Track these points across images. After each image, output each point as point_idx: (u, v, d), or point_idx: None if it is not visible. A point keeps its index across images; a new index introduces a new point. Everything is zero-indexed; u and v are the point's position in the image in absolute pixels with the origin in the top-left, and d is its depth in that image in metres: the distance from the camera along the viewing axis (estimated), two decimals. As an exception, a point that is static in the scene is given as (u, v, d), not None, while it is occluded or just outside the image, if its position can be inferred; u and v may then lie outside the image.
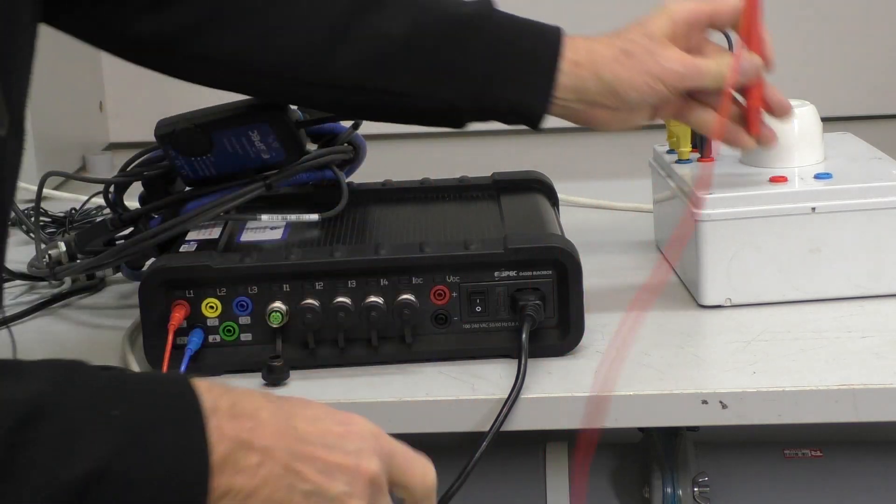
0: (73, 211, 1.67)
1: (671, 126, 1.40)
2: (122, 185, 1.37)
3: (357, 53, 1.23)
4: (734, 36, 1.27)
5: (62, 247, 1.36)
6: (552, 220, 1.29)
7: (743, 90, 1.26)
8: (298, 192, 1.37)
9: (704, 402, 1.11)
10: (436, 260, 1.17)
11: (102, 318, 1.38)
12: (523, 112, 1.25)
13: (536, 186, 1.40)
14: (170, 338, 1.16)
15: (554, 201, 1.40)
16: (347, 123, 1.37)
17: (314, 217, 1.28)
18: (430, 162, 1.43)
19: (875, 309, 1.26)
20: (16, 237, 1.57)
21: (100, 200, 1.58)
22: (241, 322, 1.18)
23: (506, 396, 1.11)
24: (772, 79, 1.27)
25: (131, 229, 1.35)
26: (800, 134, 1.33)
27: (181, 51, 1.24)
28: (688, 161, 1.39)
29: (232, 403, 0.87)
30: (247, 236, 1.27)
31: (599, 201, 1.64)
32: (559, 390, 1.13)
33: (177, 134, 1.30)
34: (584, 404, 1.12)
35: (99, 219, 1.53)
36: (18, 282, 1.45)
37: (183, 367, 1.15)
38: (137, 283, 1.20)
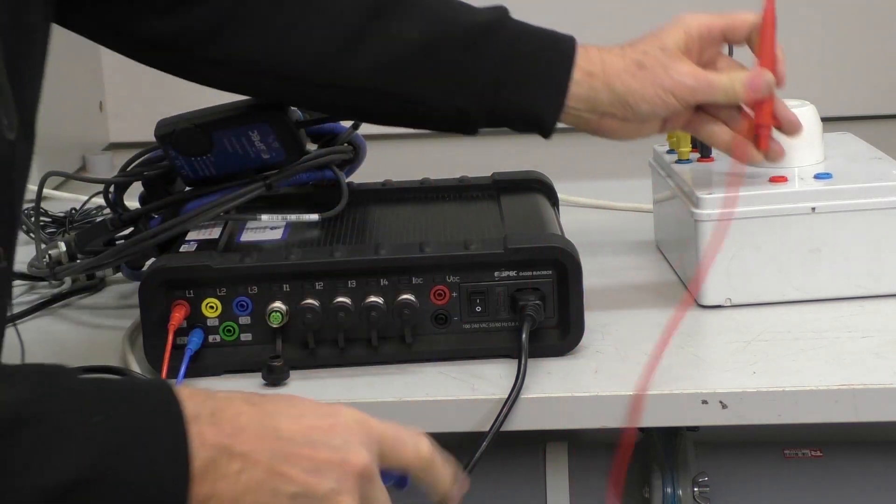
0: (73, 211, 1.67)
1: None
2: (122, 185, 1.37)
3: (372, 58, 1.23)
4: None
5: (62, 247, 1.36)
6: (552, 220, 1.29)
7: (753, 105, 1.26)
8: (298, 192, 1.37)
9: (704, 402, 1.11)
10: (436, 260, 1.17)
11: (102, 318, 1.38)
12: (534, 120, 1.26)
13: (536, 186, 1.40)
14: (170, 338, 1.16)
15: (554, 201, 1.40)
16: (347, 123, 1.37)
17: (314, 217, 1.28)
18: (430, 162, 1.43)
19: (875, 309, 1.26)
20: (16, 237, 1.57)
21: (100, 200, 1.58)
22: (241, 322, 1.18)
23: (506, 396, 1.11)
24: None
25: (131, 229, 1.35)
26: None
27: (197, 53, 1.24)
28: (688, 161, 1.39)
29: (213, 410, 0.87)
30: (247, 236, 1.27)
31: (599, 201, 1.64)
32: (559, 390, 1.13)
33: (177, 134, 1.30)
34: (583, 404, 1.12)
35: (99, 219, 1.53)
36: (18, 282, 1.45)
37: (183, 367, 1.15)
38: (137, 283, 1.20)
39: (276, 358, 1.16)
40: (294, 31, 1.23)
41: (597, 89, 1.24)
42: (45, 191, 1.47)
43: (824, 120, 1.35)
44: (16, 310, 1.37)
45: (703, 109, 1.27)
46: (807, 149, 1.33)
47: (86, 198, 1.67)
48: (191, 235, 1.27)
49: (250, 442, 0.87)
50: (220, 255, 1.20)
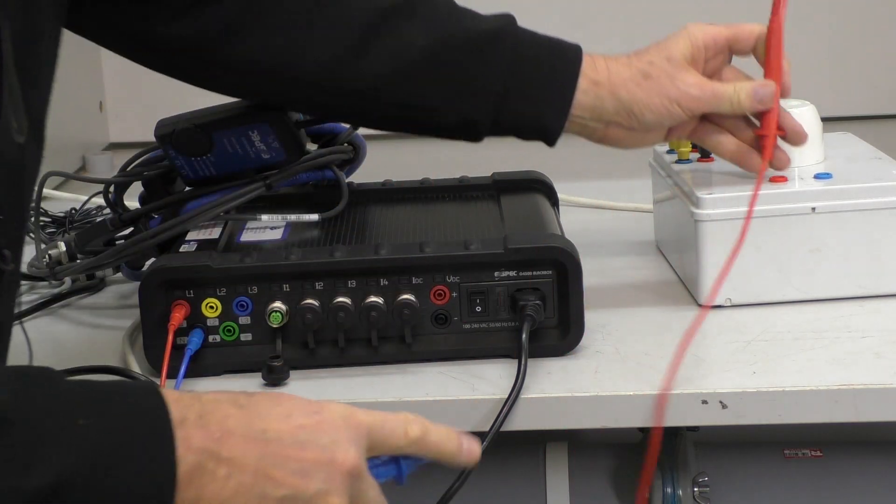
0: (73, 211, 1.67)
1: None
2: (122, 185, 1.37)
3: (379, 65, 1.24)
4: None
5: (62, 247, 1.36)
6: (552, 220, 1.29)
7: (758, 115, 1.27)
8: (298, 192, 1.37)
9: (704, 402, 1.11)
10: (436, 260, 1.17)
11: (102, 318, 1.38)
12: (539, 128, 1.26)
13: (536, 186, 1.40)
14: (170, 338, 1.16)
15: (554, 201, 1.40)
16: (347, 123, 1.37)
17: (314, 217, 1.28)
18: (430, 162, 1.43)
19: (875, 309, 1.26)
20: (16, 237, 1.57)
21: (100, 200, 1.58)
22: (241, 322, 1.18)
23: (506, 396, 1.11)
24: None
25: (131, 229, 1.35)
26: (800, 134, 1.33)
27: (207, 57, 1.24)
28: (688, 161, 1.39)
29: (200, 414, 0.87)
30: (247, 236, 1.27)
31: (599, 201, 1.64)
32: (559, 390, 1.13)
33: (177, 134, 1.30)
34: (583, 404, 1.12)
35: (99, 219, 1.53)
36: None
37: (183, 367, 1.15)
38: (137, 283, 1.20)
39: (276, 358, 1.16)
40: (302, 36, 1.24)
41: (602, 98, 1.25)
42: (45, 191, 1.47)
43: (824, 120, 1.35)
44: (16, 310, 1.37)
45: (709, 119, 1.28)
46: (807, 149, 1.33)
47: (86, 198, 1.67)
48: (191, 235, 1.27)
49: (238, 446, 0.87)
50: (220, 255, 1.20)
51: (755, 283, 1.27)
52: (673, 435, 1.23)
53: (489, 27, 1.25)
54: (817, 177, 1.30)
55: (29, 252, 1.41)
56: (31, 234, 1.48)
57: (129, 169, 1.37)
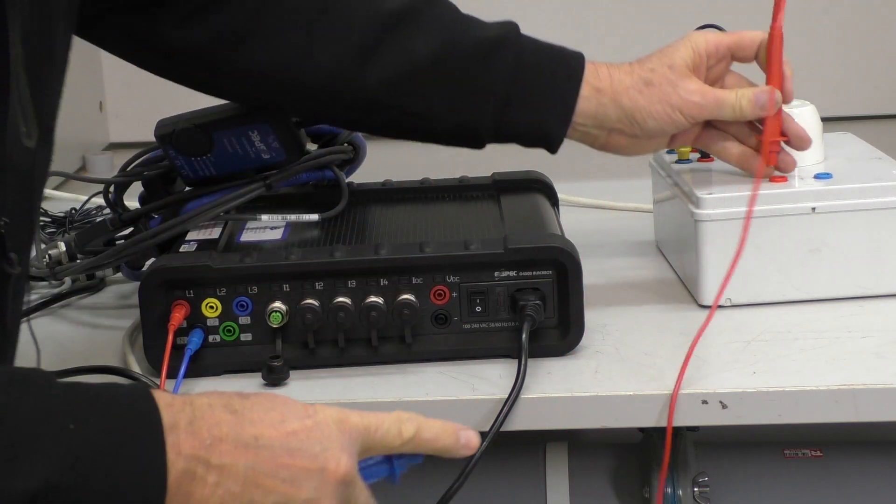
0: (73, 211, 1.67)
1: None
2: (122, 185, 1.37)
3: (383, 73, 1.24)
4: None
5: (62, 247, 1.36)
6: (552, 220, 1.29)
7: (762, 121, 1.27)
8: (298, 192, 1.37)
9: (704, 402, 1.11)
10: (436, 260, 1.17)
11: (102, 318, 1.38)
12: (541, 136, 1.27)
13: (536, 186, 1.40)
14: (170, 338, 1.16)
15: (554, 201, 1.40)
16: (348, 123, 1.37)
17: (314, 217, 1.28)
18: (430, 162, 1.43)
19: (875, 309, 1.26)
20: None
21: (100, 200, 1.58)
22: (241, 322, 1.18)
23: (506, 396, 1.11)
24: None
25: (131, 229, 1.35)
26: (800, 134, 1.33)
27: (212, 64, 1.25)
28: (688, 161, 1.39)
29: (191, 419, 0.86)
30: (247, 236, 1.27)
31: (599, 201, 1.64)
32: (559, 390, 1.13)
33: (177, 134, 1.30)
34: (583, 404, 1.12)
35: (99, 219, 1.53)
36: (18, 282, 1.45)
37: (183, 367, 1.15)
38: (137, 283, 1.20)
39: (276, 358, 1.16)
40: (307, 44, 1.24)
41: (605, 105, 1.25)
42: (45, 191, 1.46)
43: (824, 120, 1.35)
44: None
45: (713, 125, 1.29)
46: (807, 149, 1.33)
47: (86, 198, 1.67)
48: (191, 235, 1.27)
49: (228, 453, 0.86)
50: (220, 255, 1.20)
51: (755, 283, 1.27)
52: (673, 435, 1.23)
53: (492, 34, 1.26)
54: (817, 177, 1.30)
55: (29, 252, 1.41)
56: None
57: (129, 169, 1.37)
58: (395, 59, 1.25)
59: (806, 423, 1.11)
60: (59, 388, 0.85)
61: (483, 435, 1.08)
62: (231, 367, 1.19)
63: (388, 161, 1.49)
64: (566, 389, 1.13)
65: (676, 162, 1.39)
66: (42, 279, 1.41)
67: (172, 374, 1.15)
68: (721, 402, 1.11)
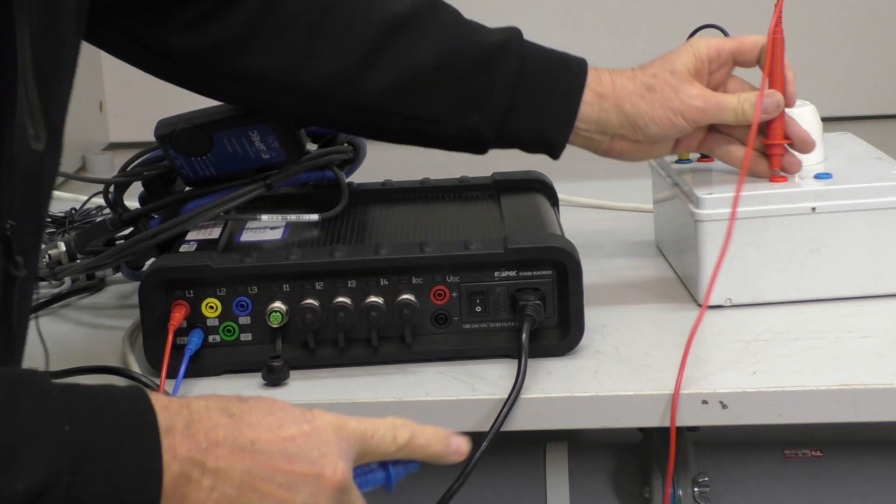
0: (73, 211, 1.67)
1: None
2: (122, 185, 1.37)
3: (386, 78, 1.25)
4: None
5: (62, 247, 1.36)
6: (552, 220, 1.29)
7: (765, 124, 1.27)
8: (298, 192, 1.37)
9: (704, 402, 1.11)
10: (436, 260, 1.17)
11: (102, 318, 1.38)
12: (544, 141, 1.27)
13: (536, 186, 1.40)
14: (170, 338, 1.16)
15: (554, 201, 1.40)
16: (347, 124, 1.37)
17: (314, 217, 1.28)
18: (430, 162, 1.43)
19: (875, 309, 1.26)
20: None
21: (100, 200, 1.58)
22: (241, 322, 1.18)
23: (506, 396, 1.11)
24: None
25: (131, 229, 1.35)
26: (800, 134, 1.33)
27: (216, 69, 1.25)
28: (688, 161, 1.39)
29: (188, 422, 0.86)
30: (247, 236, 1.27)
31: (599, 201, 1.64)
32: (559, 390, 1.13)
33: (177, 134, 1.30)
34: (583, 404, 1.12)
35: (99, 219, 1.53)
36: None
37: (183, 368, 1.15)
38: (137, 283, 1.20)
39: (276, 358, 1.16)
40: (310, 49, 1.25)
41: (607, 111, 1.26)
42: (46, 191, 1.47)
43: (824, 120, 1.35)
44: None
45: (717, 129, 1.29)
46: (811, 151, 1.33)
47: (86, 198, 1.67)
48: (191, 235, 1.27)
49: (224, 457, 0.86)
50: (220, 255, 1.20)
51: (755, 283, 1.27)
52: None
53: (495, 40, 1.26)
54: (817, 177, 1.30)
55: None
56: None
57: (129, 169, 1.37)
58: (396, 64, 1.25)
59: (806, 423, 1.11)
60: (55, 390, 0.85)
61: (483, 435, 1.09)
62: (231, 367, 1.19)
63: (388, 161, 1.49)
64: (566, 389, 1.13)
65: (676, 162, 1.39)
66: (42, 279, 1.41)
67: (172, 375, 1.15)
68: (721, 402, 1.11)
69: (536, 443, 1.26)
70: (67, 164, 1.93)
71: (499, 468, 1.24)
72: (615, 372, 1.16)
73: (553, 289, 1.18)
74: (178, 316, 1.16)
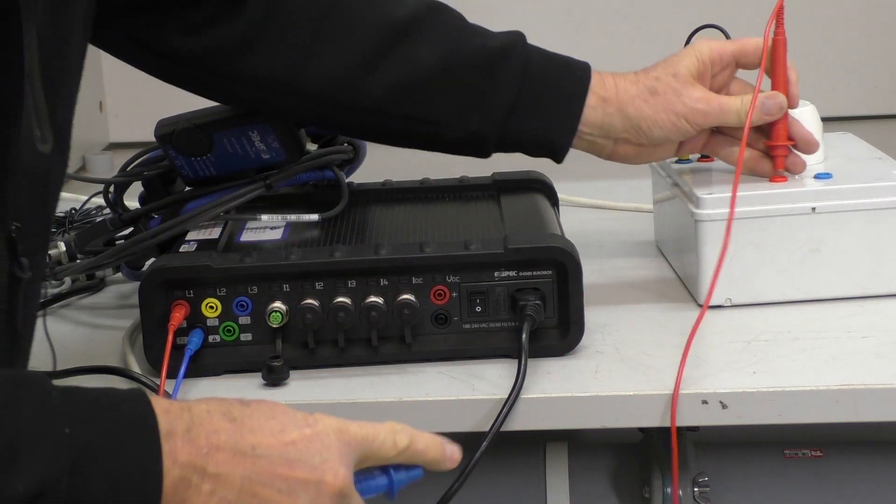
0: (73, 211, 1.67)
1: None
2: (122, 185, 1.37)
3: (389, 81, 1.25)
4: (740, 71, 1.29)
5: (62, 247, 1.36)
6: (552, 220, 1.29)
7: (769, 126, 1.28)
8: (298, 192, 1.37)
9: (704, 402, 1.11)
10: (436, 260, 1.17)
11: (102, 318, 1.38)
12: (547, 145, 1.28)
13: (536, 186, 1.40)
14: (170, 338, 1.16)
15: (554, 201, 1.40)
16: (347, 123, 1.37)
17: (314, 217, 1.28)
18: (430, 162, 1.43)
19: (875, 309, 1.26)
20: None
21: (100, 200, 1.58)
22: (241, 322, 1.18)
23: (506, 396, 1.11)
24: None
25: (131, 229, 1.35)
26: (800, 134, 1.33)
27: (220, 71, 1.25)
28: (688, 161, 1.39)
29: (189, 426, 0.86)
30: (247, 236, 1.27)
31: (599, 201, 1.64)
32: (559, 390, 1.13)
33: (177, 134, 1.30)
34: (583, 404, 1.12)
35: (99, 219, 1.53)
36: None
37: (183, 368, 1.15)
38: (137, 283, 1.20)
39: (276, 358, 1.16)
40: (313, 52, 1.25)
41: (610, 115, 1.26)
42: (45, 191, 1.47)
43: (824, 120, 1.35)
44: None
45: (721, 130, 1.30)
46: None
47: (86, 198, 1.67)
48: (191, 235, 1.27)
49: (224, 462, 0.86)
50: (220, 255, 1.20)
51: (755, 283, 1.27)
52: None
53: (498, 44, 1.26)
54: (817, 177, 1.30)
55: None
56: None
57: (129, 169, 1.37)
58: (399, 68, 1.25)
59: (806, 423, 1.11)
60: (56, 392, 0.85)
61: (483, 435, 1.09)
62: (231, 367, 1.19)
63: (388, 161, 1.49)
64: (566, 389, 1.13)
65: (676, 162, 1.39)
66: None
67: (172, 375, 1.14)
68: (721, 402, 1.11)
69: (536, 443, 1.26)
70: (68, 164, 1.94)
71: (499, 468, 1.24)
72: (615, 372, 1.16)
73: (553, 289, 1.18)
74: (178, 316, 1.16)
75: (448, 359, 1.19)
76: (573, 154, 1.30)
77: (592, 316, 1.22)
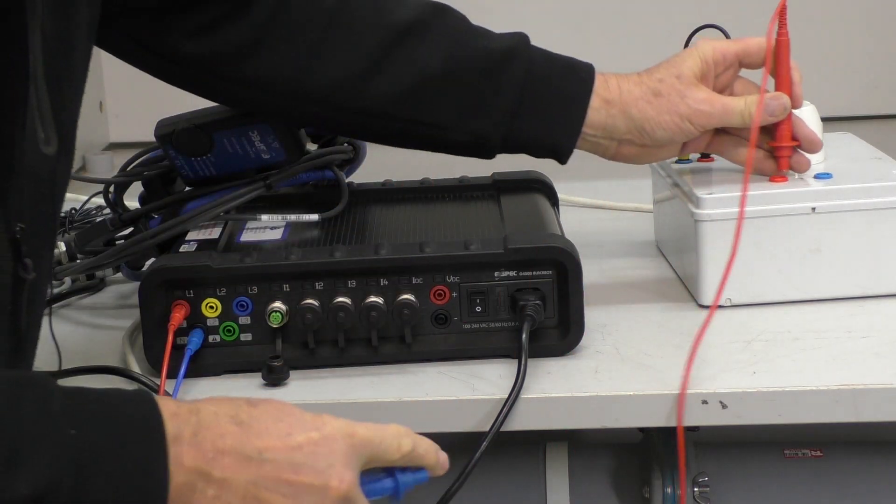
0: (73, 211, 1.67)
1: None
2: (122, 185, 1.37)
3: (393, 84, 1.25)
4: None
5: (62, 247, 1.36)
6: (552, 220, 1.29)
7: (772, 126, 1.28)
8: (298, 192, 1.37)
9: (704, 402, 1.11)
10: (436, 260, 1.17)
11: (102, 318, 1.38)
12: (551, 147, 1.28)
13: (536, 186, 1.40)
14: (170, 338, 1.16)
15: (554, 201, 1.40)
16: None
17: (314, 217, 1.28)
18: (430, 162, 1.43)
19: (875, 309, 1.26)
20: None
21: (100, 200, 1.58)
22: (241, 322, 1.18)
23: (506, 396, 1.11)
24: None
25: (131, 229, 1.35)
26: (800, 134, 1.33)
27: (224, 74, 1.25)
28: (688, 161, 1.39)
29: (195, 430, 0.86)
30: (247, 236, 1.27)
31: (599, 201, 1.64)
32: (559, 390, 1.13)
33: (177, 134, 1.30)
34: (583, 404, 1.12)
35: (99, 219, 1.53)
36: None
37: (183, 368, 1.15)
38: (137, 283, 1.20)
39: (276, 358, 1.16)
40: (317, 55, 1.25)
41: (614, 116, 1.26)
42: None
43: (824, 120, 1.35)
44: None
45: (725, 130, 1.30)
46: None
47: (86, 198, 1.67)
48: (191, 235, 1.27)
49: (230, 466, 0.86)
50: (220, 255, 1.20)
51: (755, 283, 1.27)
52: (673, 435, 1.23)
53: (502, 46, 1.26)
54: (817, 177, 1.30)
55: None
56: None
57: (129, 169, 1.37)
58: (403, 70, 1.25)
59: (806, 423, 1.11)
60: (61, 393, 0.85)
61: (483, 435, 1.09)
62: (231, 367, 1.19)
63: (388, 161, 1.49)
64: (566, 389, 1.13)
65: (676, 162, 1.39)
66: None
67: (172, 375, 1.14)
68: (721, 402, 1.11)
69: (536, 443, 1.26)
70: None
71: (499, 468, 1.24)
72: (615, 372, 1.16)
73: (553, 289, 1.18)
74: (178, 316, 1.16)
75: (448, 359, 1.19)
76: (574, 154, 1.30)
77: (592, 316, 1.22)
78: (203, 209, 1.28)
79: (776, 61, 1.27)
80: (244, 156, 1.31)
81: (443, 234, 1.26)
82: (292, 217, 1.29)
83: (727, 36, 1.33)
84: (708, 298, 1.27)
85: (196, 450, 0.85)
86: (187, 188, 1.35)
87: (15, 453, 0.80)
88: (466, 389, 1.14)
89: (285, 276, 1.17)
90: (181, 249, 1.23)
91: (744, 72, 1.31)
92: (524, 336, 1.15)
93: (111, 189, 1.37)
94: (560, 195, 1.43)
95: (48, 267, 1.03)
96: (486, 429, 1.09)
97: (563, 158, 1.28)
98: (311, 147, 1.34)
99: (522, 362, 1.13)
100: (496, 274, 1.18)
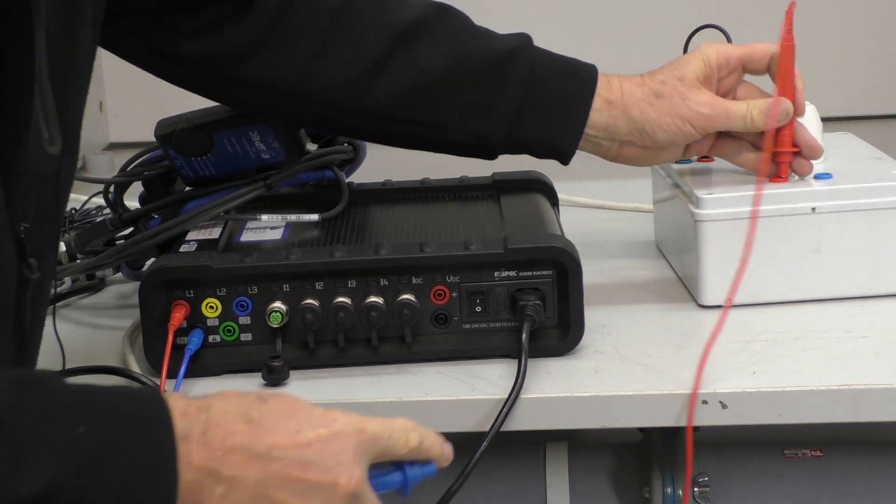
0: (73, 211, 1.67)
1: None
2: (122, 185, 1.37)
3: (395, 85, 1.25)
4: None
5: (62, 247, 1.36)
6: (552, 220, 1.29)
7: (774, 131, 1.28)
8: (298, 192, 1.37)
9: (704, 402, 1.11)
10: (436, 260, 1.17)
11: (102, 318, 1.38)
12: (553, 148, 1.28)
13: (536, 186, 1.40)
14: (170, 338, 1.16)
15: (554, 201, 1.40)
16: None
17: (314, 217, 1.28)
18: (430, 162, 1.43)
19: (875, 309, 1.26)
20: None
21: (100, 200, 1.58)
22: (241, 322, 1.18)
23: (506, 396, 1.11)
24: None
25: (131, 229, 1.35)
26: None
27: (226, 75, 1.25)
28: (688, 161, 1.39)
29: (205, 429, 0.86)
30: (247, 236, 1.27)
31: (599, 201, 1.64)
32: (559, 390, 1.13)
33: (177, 134, 1.30)
34: (583, 404, 1.12)
35: (99, 219, 1.53)
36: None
37: (183, 368, 1.15)
38: (137, 283, 1.20)
39: (276, 358, 1.16)
40: (319, 56, 1.25)
41: (616, 118, 1.26)
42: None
43: (824, 120, 1.35)
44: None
45: (728, 133, 1.29)
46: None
47: (86, 198, 1.67)
48: (191, 235, 1.27)
49: (239, 464, 0.86)
50: (220, 255, 1.20)
51: (755, 283, 1.27)
52: (673, 435, 1.23)
53: (505, 47, 1.26)
54: (817, 177, 1.30)
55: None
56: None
57: (129, 169, 1.37)
58: (405, 71, 1.25)
59: (806, 423, 1.11)
60: (68, 391, 0.84)
61: (483, 435, 1.09)
62: (231, 367, 1.19)
63: (388, 161, 1.49)
64: (566, 389, 1.13)
65: (676, 162, 1.39)
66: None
67: (172, 374, 1.15)
68: (721, 402, 1.11)
69: (536, 443, 1.26)
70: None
71: (499, 468, 1.24)
72: (615, 372, 1.16)
73: (553, 289, 1.18)
74: (178, 316, 1.16)
75: (448, 359, 1.19)
76: (575, 155, 1.30)
77: (592, 316, 1.22)
78: (203, 209, 1.28)
79: (779, 67, 1.27)
80: (244, 156, 1.31)
81: (443, 234, 1.26)
82: (292, 217, 1.29)
83: (727, 36, 1.33)
84: (708, 298, 1.27)
85: (205, 448, 0.85)
86: (187, 188, 1.35)
87: (16, 454, 0.80)
88: (466, 389, 1.14)
89: (285, 276, 1.17)
90: (181, 249, 1.23)
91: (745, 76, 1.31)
92: (524, 336, 1.15)
93: (111, 189, 1.37)
94: (560, 195, 1.43)
95: (52, 267, 1.03)
96: (486, 429, 1.09)
97: (565, 159, 1.28)
98: (311, 147, 1.34)
99: (522, 362, 1.13)
100: (496, 274, 1.18)
